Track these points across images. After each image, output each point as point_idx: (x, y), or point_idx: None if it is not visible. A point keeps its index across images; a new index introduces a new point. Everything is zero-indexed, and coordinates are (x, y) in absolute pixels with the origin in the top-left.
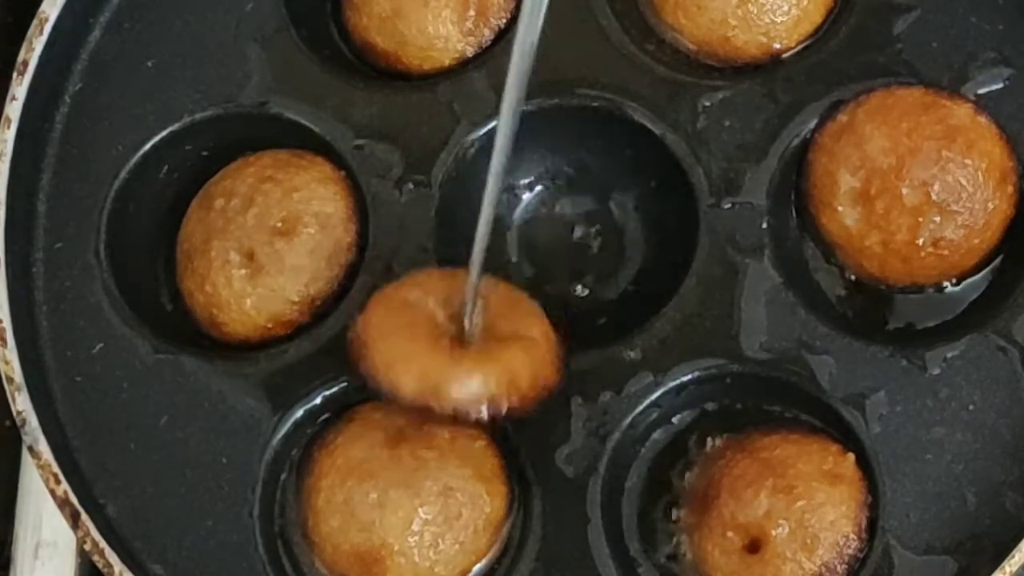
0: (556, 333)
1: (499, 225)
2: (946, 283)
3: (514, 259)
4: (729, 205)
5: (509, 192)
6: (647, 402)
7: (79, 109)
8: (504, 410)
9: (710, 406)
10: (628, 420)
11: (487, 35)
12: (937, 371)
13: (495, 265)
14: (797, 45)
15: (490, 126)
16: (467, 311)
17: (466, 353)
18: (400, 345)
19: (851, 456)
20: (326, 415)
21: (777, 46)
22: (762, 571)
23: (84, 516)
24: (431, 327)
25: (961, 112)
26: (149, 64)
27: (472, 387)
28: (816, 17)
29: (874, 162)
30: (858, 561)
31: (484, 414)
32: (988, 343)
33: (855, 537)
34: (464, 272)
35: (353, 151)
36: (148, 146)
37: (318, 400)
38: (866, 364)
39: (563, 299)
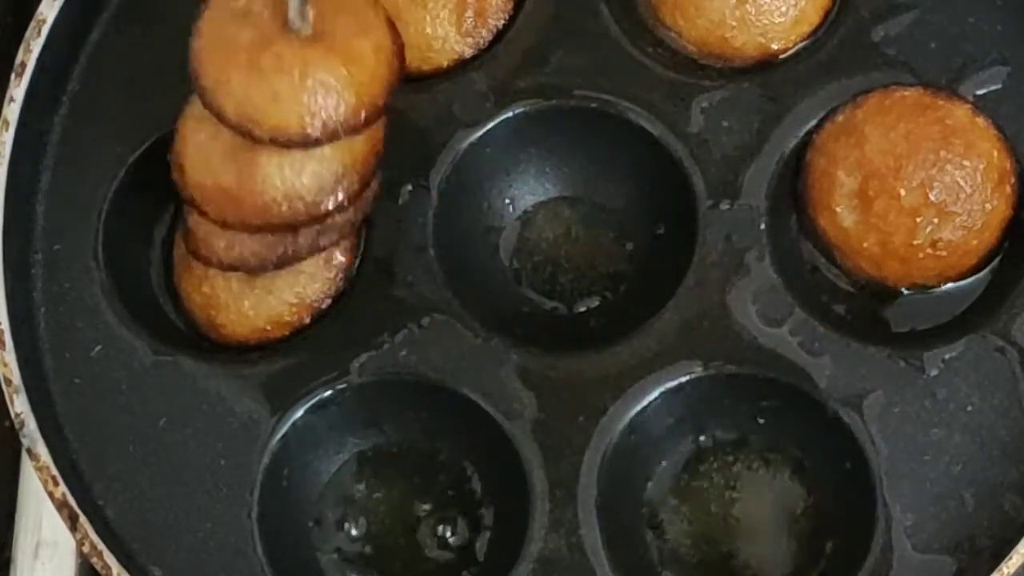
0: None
1: (495, 228)
2: (944, 284)
3: (509, 262)
4: (727, 206)
5: (505, 195)
6: (644, 403)
7: (77, 111)
8: (330, 127)
9: (708, 407)
10: (626, 422)
11: (485, 36)
12: (935, 372)
13: (492, 268)
14: (795, 46)
15: (488, 127)
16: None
17: (283, 63)
18: (220, 65)
19: None
20: None
21: (775, 47)
22: None
23: (83, 518)
24: (261, 33)
25: (959, 113)
26: (147, 65)
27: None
28: (814, 18)
29: (872, 163)
30: None
31: (315, 132)
32: (986, 344)
33: None
34: None
35: None
36: (146, 147)
37: (316, 401)
38: (864, 365)
39: (560, 301)
